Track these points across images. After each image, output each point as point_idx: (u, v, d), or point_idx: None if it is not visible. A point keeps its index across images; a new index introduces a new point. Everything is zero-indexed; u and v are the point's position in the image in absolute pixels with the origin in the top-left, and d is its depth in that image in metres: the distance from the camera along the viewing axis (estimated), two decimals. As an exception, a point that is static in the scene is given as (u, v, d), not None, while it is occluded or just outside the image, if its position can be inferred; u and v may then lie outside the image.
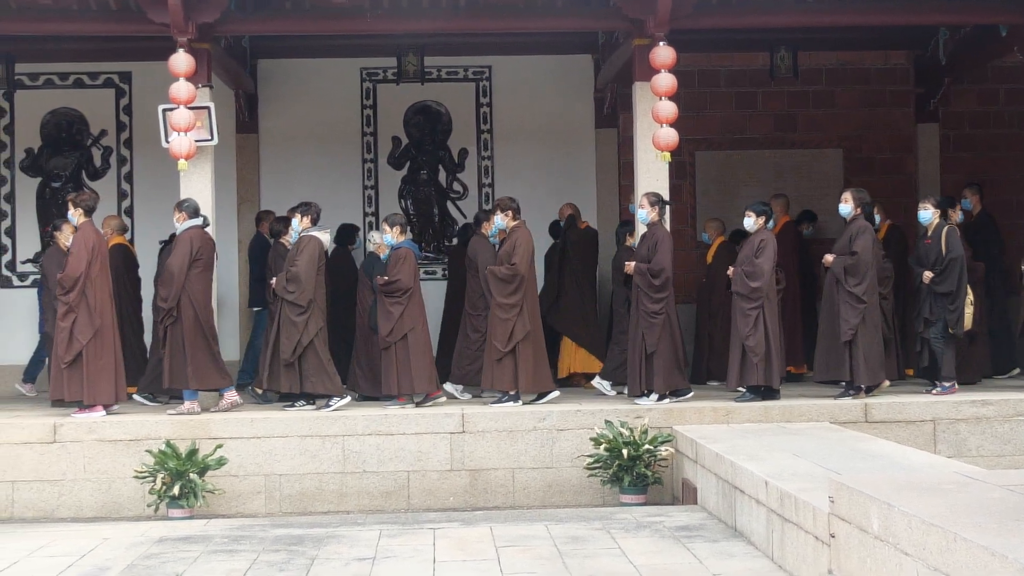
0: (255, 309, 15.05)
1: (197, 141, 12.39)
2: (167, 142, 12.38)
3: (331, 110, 16.47)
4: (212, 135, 12.65)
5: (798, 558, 7.59)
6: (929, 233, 12.76)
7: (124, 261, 14.10)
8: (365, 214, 16.26)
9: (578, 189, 16.16)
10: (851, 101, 16.49)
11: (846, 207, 12.59)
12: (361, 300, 13.47)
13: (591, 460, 11.40)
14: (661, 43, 12.40)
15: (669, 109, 12.35)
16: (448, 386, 13.30)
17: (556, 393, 12.56)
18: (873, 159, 16.46)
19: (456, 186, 16.63)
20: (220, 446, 11.37)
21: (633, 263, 12.54)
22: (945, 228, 12.71)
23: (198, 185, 12.69)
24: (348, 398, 12.42)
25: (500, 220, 12.91)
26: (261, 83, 16.41)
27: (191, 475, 10.95)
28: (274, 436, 11.77)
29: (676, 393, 12.35)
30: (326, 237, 12.74)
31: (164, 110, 12.44)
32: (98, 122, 16.43)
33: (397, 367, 12.43)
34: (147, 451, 11.28)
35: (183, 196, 12.64)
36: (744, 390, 12.35)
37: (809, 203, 15.84)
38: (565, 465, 11.84)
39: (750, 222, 12.57)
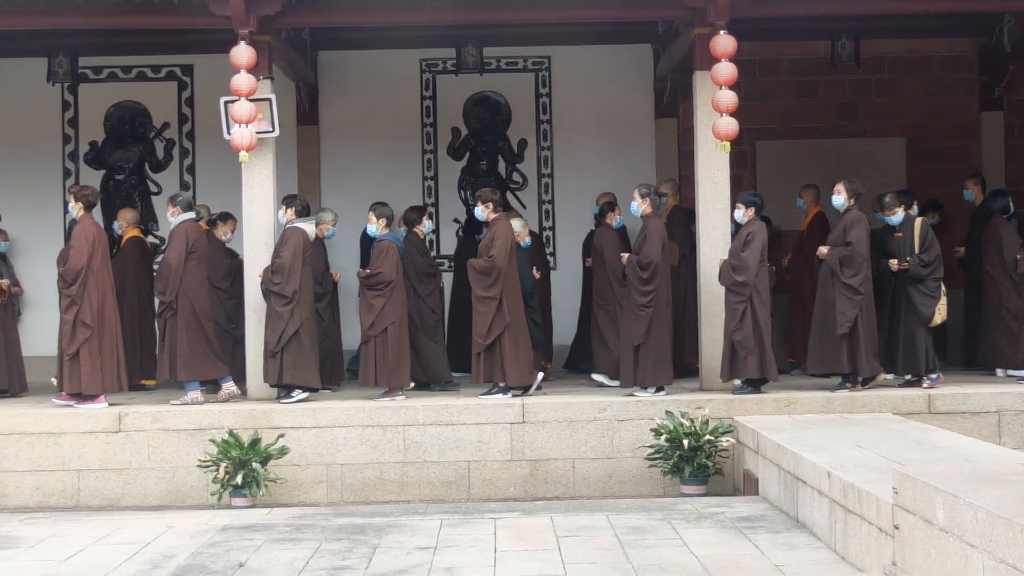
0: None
1: (258, 133, 12.46)
2: (229, 134, 12.46)
3: (391, 101, 16.52)
4: (273, 127, 12.70)
5: (861, 549, 7.55)
6: (899, 227, 12.61)
7: (139, 253, 14.34)
8: (425, 204, 16.27)
9: (637, 179, 15.91)
10: (914, 89, 16.32)
11: (839, 198, 12.49)
12: None
13: (652, 451, 11.38)
14: (722, 32, 12.33)
15: (729, 98, 12.27)
16: (595, 376, 13.33)
17: (534, 387, 12.55)
18: (937, 148, 16.29)
19: (516, 177, 16.63)
20: (282, 435, 11.48)
21: (627, 255, 12.62)
22: (918, 221, 12.53)
23: (259, 177, 12.77)
24: (306, 393, 12.38)
25: (480, 212, 12.87)
26: (322, 75, 16.48)
27: (254, 464, 11.04)
28: (336, 426, 11.84)
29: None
30: (311, 228, 12.79)
31: (226, 102, 12.51)
32: (161, 115, 16.59)
33: (376, 360, 12.44)
34: (210, 440, 11.38)
35: (245, 188, 12.78)
36: (740, 383, 12.26)
37: (871, 193, 15.62)
38: (626, 455, 11.84)
39: (740, 214, 12.50)
